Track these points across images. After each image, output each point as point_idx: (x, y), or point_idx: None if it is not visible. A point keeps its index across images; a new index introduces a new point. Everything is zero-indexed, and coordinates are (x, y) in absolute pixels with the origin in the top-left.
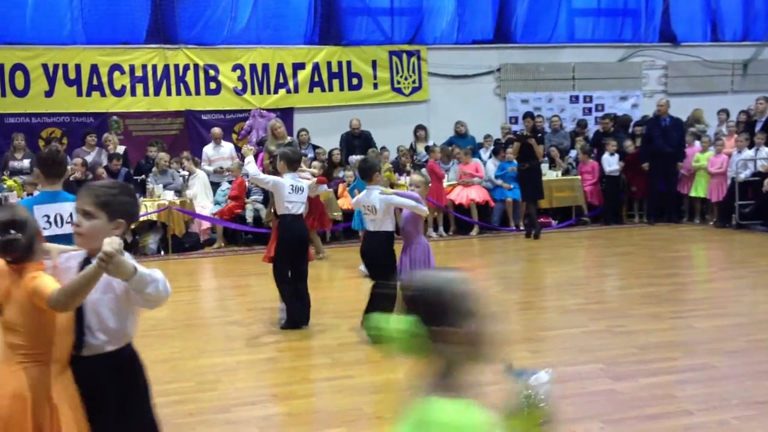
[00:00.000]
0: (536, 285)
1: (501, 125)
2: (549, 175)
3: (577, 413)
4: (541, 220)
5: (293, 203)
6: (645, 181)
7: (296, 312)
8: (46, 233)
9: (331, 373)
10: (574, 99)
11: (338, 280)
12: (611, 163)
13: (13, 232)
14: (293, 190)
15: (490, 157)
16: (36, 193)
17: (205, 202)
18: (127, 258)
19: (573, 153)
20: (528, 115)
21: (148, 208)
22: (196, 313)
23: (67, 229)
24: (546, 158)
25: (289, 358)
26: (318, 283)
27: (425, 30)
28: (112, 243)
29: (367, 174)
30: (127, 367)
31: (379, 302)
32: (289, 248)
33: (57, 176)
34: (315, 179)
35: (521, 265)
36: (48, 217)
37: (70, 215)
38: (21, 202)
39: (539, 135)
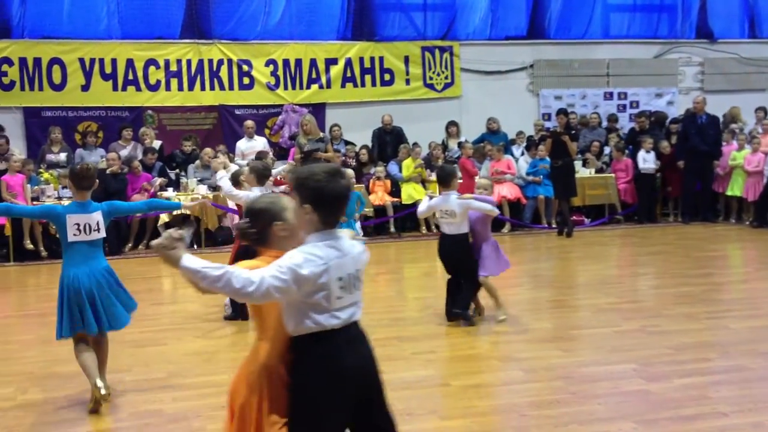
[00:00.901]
0: (568, 283)
1: (534, 122)
2: (582, 172)
3: (610, 413)
4: (574, 217)
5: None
6: (680, 180)
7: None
8: (76, 239)
9: None
10: (609, 96)
11: (368, 276)
12: (647, 160)
13: (248, 220)
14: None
15: (522, 154)
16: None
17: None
18: (180, 252)
19: (607, 150)
20: (562, 112)
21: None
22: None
23: (95, 236)
24: (580, 155)
25: None
26: None
27: (458, 26)
28: (163, 235)
29: (446, 180)
30: (295, 356)
31: (462, 296)
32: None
33: (86, 188)
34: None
35: (553, 262)
36: (78, 225)
37: (97, 223)
38: (57, 209)
39: (573, 132)
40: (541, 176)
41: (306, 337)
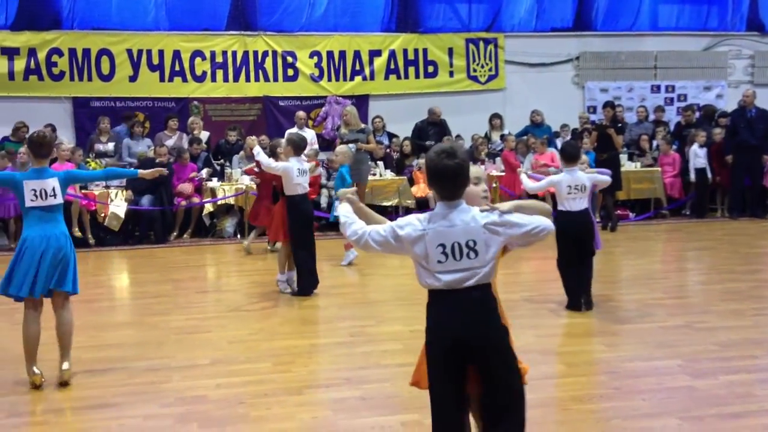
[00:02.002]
0: (612, 278)
1: (579, 114)
2: (627, 166)
3: (654, 409)
4: (618, 212)
5: (300, 184)
6: (728, 174)
7: (306, 281)
8: (32, 204)
9: (404, 359)
10: (656, 89)
11: (408, 268)
12: (698, 155)
13: None
14: (300, 173)
15: None
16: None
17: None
18: (344, 208)
19: (653, 143)
20: (608, 105)
21: (225, 192)
22: (271, 296)
23: (51, 201)
24: (626, 149)
25: (362, 343)
26: (389, 270)
27: (503, 17)
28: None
29: (575, 157)
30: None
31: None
32: (300, 222)
33: (43, 156)
34: (313, 163)
35: (597, 257)
36: (35, 191)
37: (53, 189)
38: (14, 177)
39: (619, 125)
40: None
41: (429, 293)
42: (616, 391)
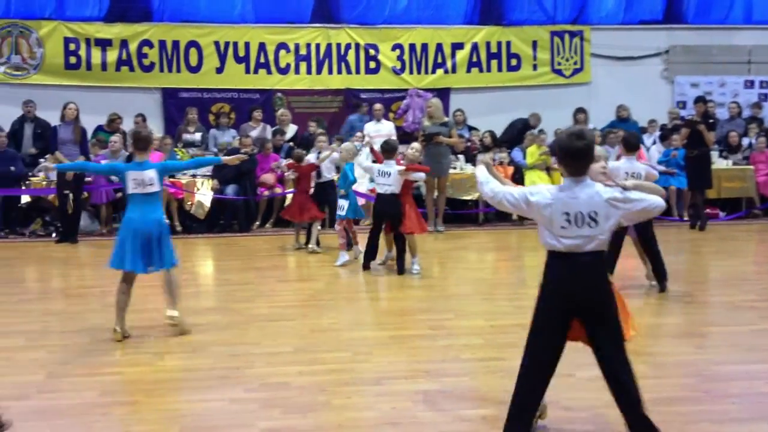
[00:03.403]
0: (700, 278)
1: (669, 110)
2: (718, 163)
3: (744, 413)
4: (708, 210)
5: (381, 185)
6: None
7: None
8: (134, 191)
9: (484, 353)
10: (749, 84)
11: (488, 262)
12: None
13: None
14: (380, 174)
15: (654, 143)
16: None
17: (361, 179)
18: (481, 170)
19: (746, 141)
20: (700, 100)
21: None
22: (351, 287)
23: (149, 189)
24: (717, 146)
25: (442, 336)
26: (469, 263)
27: (590, 9)
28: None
29: (635, 147)
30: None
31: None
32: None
33: (143, 150)
34: (404, 167)
35: (684, 256)
36: (135, 180)
37: (151, 179)
38: (119, 167)
39: (711, 121)
40: (674, 166)
41: (547, 254)
42: (704, 395)
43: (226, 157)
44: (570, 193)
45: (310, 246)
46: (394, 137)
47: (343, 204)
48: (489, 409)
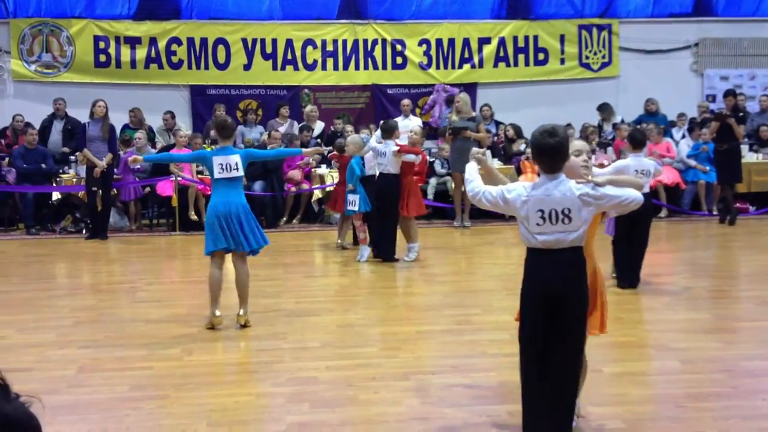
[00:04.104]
0: (730, 273)
1: (698, 103)
2: (748, 157)
3: None
4: (738, 205)
5: (379, 164)
6: None
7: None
8: (220, 176)
9: (510, 349)
10: None
11: (515, 258)
12: None
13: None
14: (377, 153)
15: (683, 136)
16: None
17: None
18: (471, 166)
19: None
20: (730, 93)
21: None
22: (378, 282)
23: (234, 174)
24: (747, 139)
25: (469, 332)
26: (495, 259)
27: (618, 3)
28: (479, 150)
29: (641, 143)
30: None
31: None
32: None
33: (227, 137)
34: (397, 147)
35: (713, 251)
36: (221, 164)
37: (236, 164)
38: (206, 153)
39: (741, 114)
40: (704, 160)
41: (527, 251)
42: (734, 390)
43: (307, 149)
44: (544, 191)
45: (339, 241)
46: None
47: (353, 199)
48: (515, 404)
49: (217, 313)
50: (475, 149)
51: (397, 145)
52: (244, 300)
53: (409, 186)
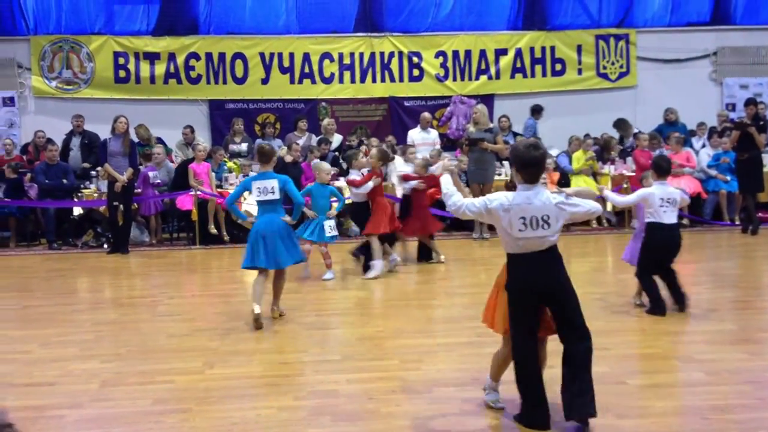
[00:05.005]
0: (754, 284)
1: (718, 112)
2: None
3: None
4: (760, 214)
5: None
6: None
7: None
8: (259, 199)
9: None
10: None
11: None
12: None
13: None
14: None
15: (703, 146)
16: (252, 173)
17: (398, 187)
18: (446, 179)
19: None
20: (751, 102)
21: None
22: (397, 294)
23: (270, 197)
24: None
25: (489, 344)
26: None
27: (635, 12)
28: (449, 162)
29: (666, 171)
30: (507, 267)
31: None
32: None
33: (265, 162)
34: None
35: (736, 261)
36: (259, 188)
37: (273, 188)
38: (248, 180)
39: (761, 123)
40: (724, 170)
41: (509, 255)
42: (760, 402)
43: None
44: (525, 199)
45: (441, 257)
46: (439, 145)
47: (331, 225)
48: None
49: (257, 309)
50: (446, 161)
51: (346, 181)
52: (277, 297)
53: (384, 205)
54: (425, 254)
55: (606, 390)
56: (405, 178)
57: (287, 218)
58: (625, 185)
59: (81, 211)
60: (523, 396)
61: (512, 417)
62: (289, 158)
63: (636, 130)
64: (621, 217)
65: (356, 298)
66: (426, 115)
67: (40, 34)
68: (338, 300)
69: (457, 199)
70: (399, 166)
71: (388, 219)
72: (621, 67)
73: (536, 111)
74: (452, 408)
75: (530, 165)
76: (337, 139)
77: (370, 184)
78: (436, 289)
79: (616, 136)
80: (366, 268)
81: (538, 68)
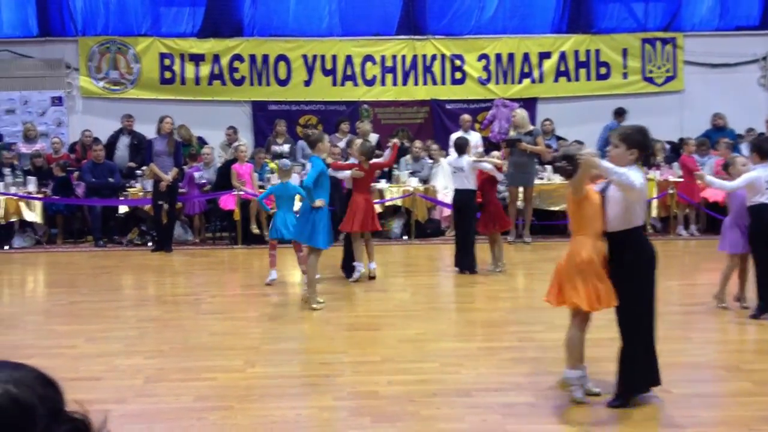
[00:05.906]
0: None
1: (766, 118)
2: None
3: None
4: None
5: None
6: None
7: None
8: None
9: None
10: None
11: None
12: None
13: (564, 162)
14: None
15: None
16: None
17: (448, 190)
18: (601, 162)
19: None
20: None
21: (393, 194)
22: (438, 297)
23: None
24: None
25: (531, 349)
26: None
27: (683, 16)
28: (587, 152)
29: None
30: (630, 243)
31: None
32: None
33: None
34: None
35: None
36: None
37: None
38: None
39: None
40: None
41: (633, 230)
42: None
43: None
44: (643, 176)
45: (499, 264)
46: (481, 149)
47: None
48: (577, 425)
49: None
50: (588, 151)
51: (330, 165)
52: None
53: (357, 202)
54: (349, 268)
55: (650, 398)
56: (335, 167)
57: (318, 202)
58: (671, 191)
59: (126, 210)
60: (639, 363)
61: (606, 404)
62: (330, 160)
63: (684, 136)
64: (666, 223)
65: (397, 300)
66: (466, 116)
67: (88, 36)
68: (378, 301)
69: (622, 171)
70: (446, 166)
71: (362, 217)
72: (667, 71)
73: (619, 114)
74: (493, 413)
75: (648, 148)
76: (373, 138)
77: (347, 173)
78: (478, 293)
79: (662, 140)
80: (350, 269)
81: (583, 72)
